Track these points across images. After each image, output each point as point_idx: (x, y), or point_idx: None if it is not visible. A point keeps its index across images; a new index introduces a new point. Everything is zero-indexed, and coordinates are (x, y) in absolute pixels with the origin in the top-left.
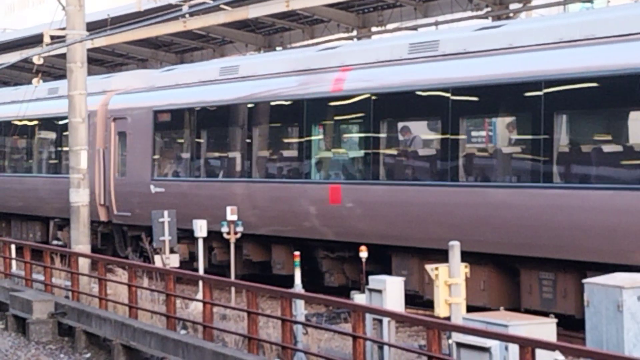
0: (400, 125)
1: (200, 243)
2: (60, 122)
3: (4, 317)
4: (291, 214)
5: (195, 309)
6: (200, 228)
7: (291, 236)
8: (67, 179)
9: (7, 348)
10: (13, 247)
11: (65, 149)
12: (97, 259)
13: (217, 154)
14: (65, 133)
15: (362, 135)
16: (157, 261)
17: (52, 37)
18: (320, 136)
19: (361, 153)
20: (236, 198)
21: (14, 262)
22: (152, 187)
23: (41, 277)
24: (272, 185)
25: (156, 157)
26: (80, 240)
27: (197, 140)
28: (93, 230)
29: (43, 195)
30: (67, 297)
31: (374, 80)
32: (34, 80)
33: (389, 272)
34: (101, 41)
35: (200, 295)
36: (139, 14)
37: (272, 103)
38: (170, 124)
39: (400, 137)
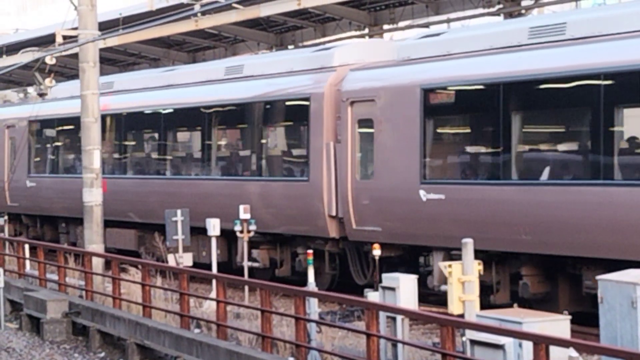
0: None
1: (214, 242)
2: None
3: (18, 316)
4: None
5: (209, 308)
6: (214, 227)
7: None
8: (239, 181)
9: (21, 348)
10: (27, 246)
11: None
12: (110, 258)
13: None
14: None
15: None
16: (170, 260)
17: (64, 37)
18: None
19: None
20: None
21: (27, 262)
22: (421, 192)
23: (55, 277)
24: None
25: (428, 151)
26: (94, 240)
27: (511, 127)
28: (318, 251)
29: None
30: (81, 296)
31: None
32: (47, 81)
33: None
34: (113, 41)
35: (214, 294)
36: (151, 13)
37: None
38: (453, 106)
39: None
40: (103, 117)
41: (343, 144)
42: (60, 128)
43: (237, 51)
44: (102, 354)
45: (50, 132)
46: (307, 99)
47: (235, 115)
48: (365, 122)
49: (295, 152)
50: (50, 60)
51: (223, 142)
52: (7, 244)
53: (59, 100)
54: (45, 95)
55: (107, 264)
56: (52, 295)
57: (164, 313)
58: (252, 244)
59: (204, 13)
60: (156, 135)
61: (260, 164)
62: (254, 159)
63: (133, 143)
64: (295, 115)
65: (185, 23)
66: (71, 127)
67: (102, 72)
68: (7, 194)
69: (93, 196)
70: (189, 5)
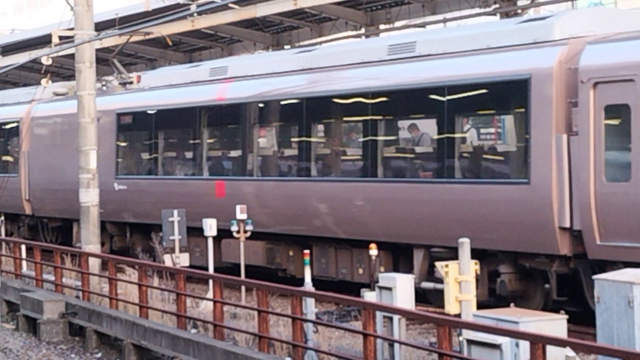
0: None
1: (210, 241)
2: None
3: (15, 317)
4: None
5: (205, 308)
6: (210, 227)
7: None
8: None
9: (18, 348)
10: (23, 247)
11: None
12: (107, 258)
13: None
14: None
15: None
16: (167, 260)
17: (60, 38)
18: None
19: None
20: None
21: (24, 263)
22: None
23: (52, 278)
24: None
25: None
26: (90, 240)
27: None
28: (527, 270)
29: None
30: (77, 297)
31: None
32: (43, 81)
33: None
34: (110, 41)
35: (210, 294)
36: (147, 13)
37: None
38: None
39: None
40: (220, 108)
41: (582, 136)
42: (160, 122)
43: (234, 51)
44: (99, 355)
45: (145, 127)
46: (523, 81)
47: (411, 103)
48: (615, 109)
49: (502, 147)
50: (46, 61)
51: (392, 137)
52: (3, 244)
53: (156, 89)
54: (130, 84)
55: (104, 265)
56: (49, 295)
57: (160, 313)
58: (433, 259)
59: (200, 13)
60: (296, 128)
61: (451, 163)
62: (444, 156)
63: (265, 140)
64: (503, 101)
65: (181, 23)
66: (175, 120)
67: (99, 73)
68: None
69: (89, 197)
70: (185, 5)
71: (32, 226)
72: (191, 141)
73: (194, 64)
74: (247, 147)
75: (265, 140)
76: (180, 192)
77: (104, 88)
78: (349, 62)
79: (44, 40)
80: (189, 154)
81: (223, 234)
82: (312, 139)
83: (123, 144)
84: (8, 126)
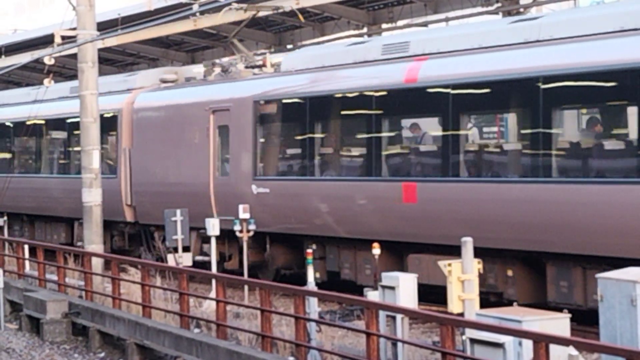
0: None
1: (213, 241)
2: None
3: (18, 317)
4: None
5: (208, 308)
6: (213, 227)
7: None
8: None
9: (21, 348)
10: (27, 247)
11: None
12: (110, 258)
13: None
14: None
15: None
16: (170, 260)
17: (63, 38)
18: None
19: None
20: None
21: (27, 263)
22: None
23: (55, 277)
24: None
25: None
26: (93, 240)
27: None
28: None
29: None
30: (80, 296)
31: None
32: (46, 81)
33: None
34: (112, 41)
35: (213, 294)
36: (150, 13)
37: None
38: None
39: None
40: (409, 93)
41: None
42: (318, 110)
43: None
44: (102, 354)
45: (296, 118)
46: None
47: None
48: None
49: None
50: (49, 61)
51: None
52: (6, 244)
53: (305, 72)
54: (261, 67)
55: (107, 264)
56: (52, 295)
57: (163, 313)
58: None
59: (202, 12)
60: (531, 115)
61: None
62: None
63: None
64: None
65: (183, 23)
66: (339, 109)
67: (101, 73)
68: (213, 202)
69: (92, 196)
70: (187, 4)
71: (132, 235)
72: (363, 134)
73: (352, 40)
74: (451, 141)
75: (476, 131)
76: (346, 195)
77: (223, 73)
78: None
79: (46, 40)
80: (360, 150)
81: (412, 247)
82: (553, 130)
83: (263, 138)
84: (105, 118)
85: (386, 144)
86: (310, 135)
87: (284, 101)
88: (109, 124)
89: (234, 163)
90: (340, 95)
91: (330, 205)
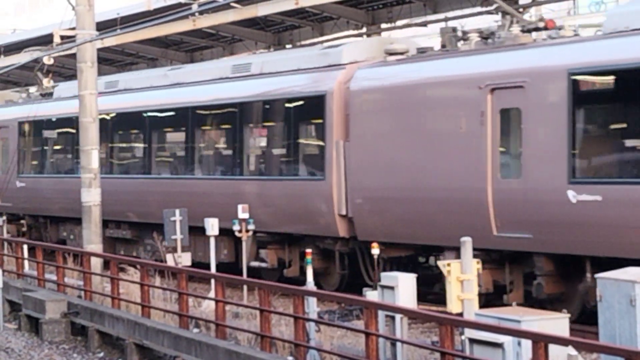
0: None
1: (212, 240)
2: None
3: (17, 317)
4: None
5: (207, 308)
6: (212, 226)
7: None
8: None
9: (20, 348)
10: (25, 247)
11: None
12: (109, 258)
13: None
14: None
15: None
16: (169, 260)
17: (62, 37)
18: None
19: None
20: None
21: (26, 262)
22: None
23: (54, 277)
24: None
25: None
26: (92, 240)
27: None
28: None
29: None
30: (79, 296)
31: None
32: (45, 81)
33: None
34: (111, 41)
35: (212, 294)
36: (149, 13)
37: None
38: None
39: None
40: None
41: None
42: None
43: (235, 51)
44: (101, 354)
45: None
46: None
47: None
48: None
49: None
50: (48, 61)
51: None
52: (5, 244)
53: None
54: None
55: (106, 264)
56: (51, 295)
57: (162, 313)
58: None
59: (201, 12)
60: None
61: None
62: None
63: None
64: None
65: (182, 23)
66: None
67: (100, 73)
68: (492, 214)
69: (91, 196)
70: (186, 4)
71: (345, 254)
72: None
73: None
74: None
75: None
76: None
77: (483, 41)
78: None
79: (45, 40)
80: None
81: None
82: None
83: (584, 125)
84: (293, 104)
85: None
86: None
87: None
88: (306, 110)
89: (530, 160)
90: None
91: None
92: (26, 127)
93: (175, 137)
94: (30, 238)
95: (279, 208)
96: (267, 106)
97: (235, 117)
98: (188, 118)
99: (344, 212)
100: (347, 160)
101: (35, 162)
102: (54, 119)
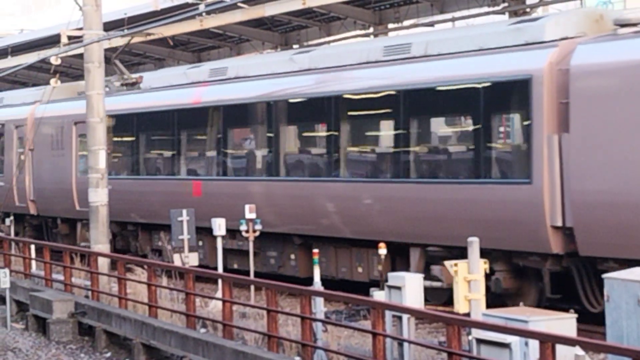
0: None
1: (219, 240)
2: None
3: (24, 317)
4: None
5: (214, 308)
6: (219, 226)
7: None
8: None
9: (27, 348)
10: (33, 247)
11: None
12: (116, 258)
13: None
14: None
15: None
16: (177, 260)
17: (69, 38)
18: None
19: None
20: None
21: (33, 263)
22: None
23: (61, 277)
24: None
25: None
26: (99, 240)
27: None
28: None
29: None
30: (87, 296)
31: None
32: (52, 81)
33: None
34: (118, 41)
35: (219, 294)
36: (156, 13)
37: None
38: None
39: None
40: None
41: None
42: None
43: (242, 51)
44: (109, 354)
45: None
46: None
47: None
48: None
49: None
50: (55, 61)
51: None
52: (12, 244)
53: None
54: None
55: (113, 264)
56: (58, 295)
57: (170, 313)
58: None
59: (208, 13)
60: None
61: None
62: None
63: None
64: None
65: (190, 23)
66: None
67: (107, 73)
68: None
69: (99, 196)
70: (193, 4)
71: (556, 274)
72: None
73: None
74: None
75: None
76: None
77: None
78: None
79: (52, 40)
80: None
81: None
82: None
83: None
84: (479, 92)
85: None
86: None
87: None
88: (496, 99)
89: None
90: None
91: None
92: (111, 122)
93: (320, 130)
94: (114, 249)
95: (461, 217)
96: (438, 95)
97: (397, 107)
98: (331, 108)
99: (559, 223)
100: (566, 159)
101: (126, 162)
102: (147, 112)
